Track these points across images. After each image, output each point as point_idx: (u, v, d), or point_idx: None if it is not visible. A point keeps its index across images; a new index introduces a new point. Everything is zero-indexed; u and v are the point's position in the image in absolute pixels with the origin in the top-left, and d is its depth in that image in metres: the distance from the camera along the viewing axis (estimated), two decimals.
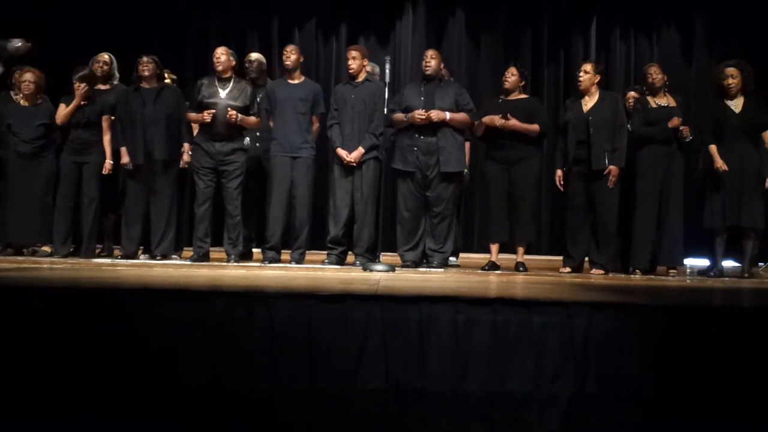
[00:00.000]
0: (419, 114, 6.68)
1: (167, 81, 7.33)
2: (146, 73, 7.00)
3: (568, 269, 6.74)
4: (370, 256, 6.77)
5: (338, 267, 6.72)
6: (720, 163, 6.64)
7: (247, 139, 7.03)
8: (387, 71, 6.53)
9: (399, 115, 6.72)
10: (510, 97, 6.97)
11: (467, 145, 7.31)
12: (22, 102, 7.28)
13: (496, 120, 6.78)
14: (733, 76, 6.77)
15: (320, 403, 3.55)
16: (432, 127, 6.74)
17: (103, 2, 9.72)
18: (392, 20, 10.76)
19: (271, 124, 7.04)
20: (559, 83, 10.76)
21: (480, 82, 10.45)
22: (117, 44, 8.05)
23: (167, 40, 9.68)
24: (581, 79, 6.83)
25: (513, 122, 6.77)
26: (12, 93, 7.42)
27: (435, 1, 10.68)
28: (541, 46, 10.76)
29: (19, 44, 4.83)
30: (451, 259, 7.35)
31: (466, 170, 7.25)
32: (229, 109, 6.74)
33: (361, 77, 7.00)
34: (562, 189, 6.91)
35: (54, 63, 7.51)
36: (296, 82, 7.09)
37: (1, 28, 8.20)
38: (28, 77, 7.19)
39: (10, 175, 7.23)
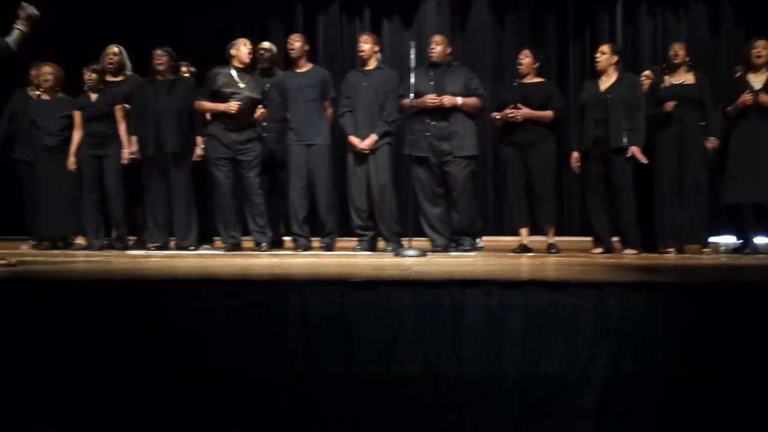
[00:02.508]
0: (431, 98, 6.66)
1: (185, 74, 7.35)
2: (161, 67, 7.01)
3: (599, 250, 6.70)
4: (399, 241, 6.78)
5: (369, 253, 6.74)
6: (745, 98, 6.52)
7: (259, 129, 7.04)
8: (412, 56, 6.50)
9: (407, 101, 6.69)
10: (525, 81, 6.93)
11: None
12: (42, 96, 7.35)
13: (508, 114, 6.74)
14: (762, 48, 6.68)
15: (354, 390, 3.57)
16: (443, 112, 6.73)
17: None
18: (416, 2, 10.73)
19: (288, 115, 7.04)
20: (586, 62, 10.67)
21: (506, 62, 10.39)
22: (136, 36, 8.09)
23: (189, 32, 9.70)
24: (598, 59, 6.80)
25: (524, 111, 6.73)
26: (29, 89, 7.49)
27: None
28: (567, 25, 10.69)
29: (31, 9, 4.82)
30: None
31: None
32: (260, 107, 6.76)
33: (372, 65, 6.99)
34: (577, 171, 6.87)
35: (70, 58, 7.57)
36: (303, 70, 7.09)
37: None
38: (47, 70, 7.27)
39: (38, 170, 7.32)
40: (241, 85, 6.85)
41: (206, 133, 6.93)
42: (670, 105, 6.70)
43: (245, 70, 6.93)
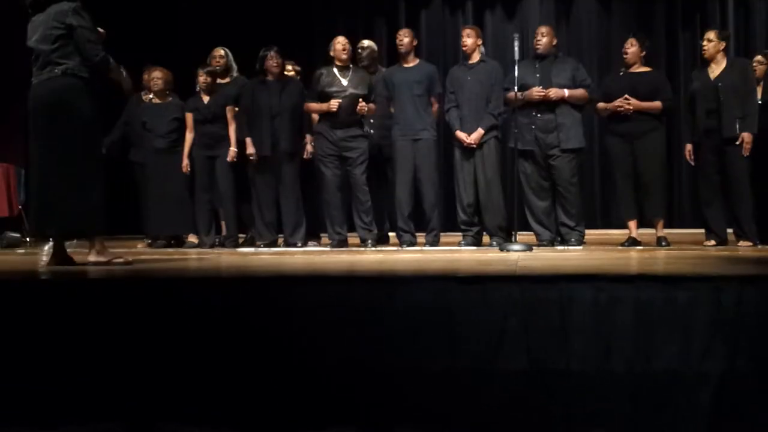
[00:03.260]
0: (538, 91, 6.58)
1: (291, 73, 7.45)
2: (275, 69, 7.09)
3: (712, 242, 6.51)
4: (504, 236, 6.73)
5: (474, 248, 6.72)
6: None
7: (367, 126, 7.07)
8: (516, 49, 6.44)
9: (512, 94, 6.62)
10: (631, 70, 6.78)
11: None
12: (153, 100, 7.57)
13: (617, 106, 6.60)
14: None
15: (462, 385, 3.55)
16: (550, 105, 6.64)
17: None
18: None
19: (392, 110, 7.07)
20: (696, 49, 10.35)
21: (612, 52, 10.18)
22: (242, 37, 8.25)
23: (293, 31, 9.85)
24: (705, 47, 6.60)
25: (633, 103, 6.57)
26: (143, 94, 7.73)
27: None
28: (676, 11, 10.41)
29: (128, 77, 5.09)
30: None
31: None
32: (360, 101, 6.81)
33: (476, 58, 6.94)
34: (692, 163, 6.69)
35: (180, 62, 7.77)
36: (411, 65, 7.10)
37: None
38: (156, 74, 7.48)
39: (149, 171, 7.55)
40: (344, 83, 6.92)
41: (315, 131, 7.02)
42: None
43: (347, 67, 6.99)
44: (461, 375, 3.54)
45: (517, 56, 6.44)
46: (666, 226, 6.86)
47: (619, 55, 9.57)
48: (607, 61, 10.06)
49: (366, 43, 7.62)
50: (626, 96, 6.60)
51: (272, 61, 7.09)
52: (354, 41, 7.38)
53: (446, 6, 10.83)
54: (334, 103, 6.82)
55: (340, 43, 7.05)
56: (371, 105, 6.97)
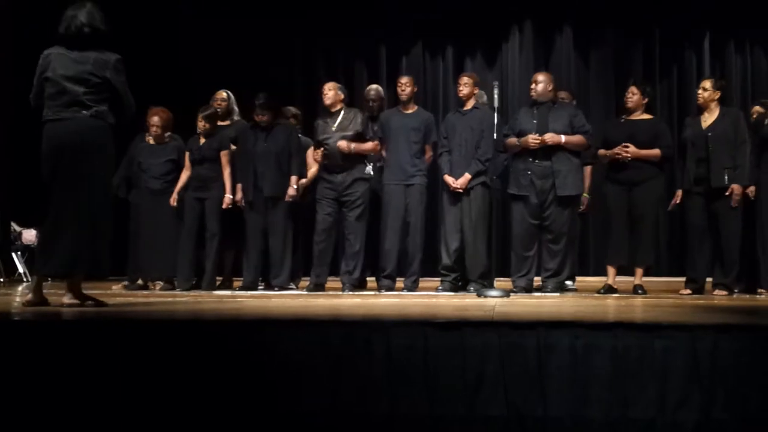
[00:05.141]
0: (533, 138, 6.62)
1: (292, 118, 7.51)
2: (258, 118, 7.15)
3: (689, 291, 6.55)
4: (484, 282, 6.74)
5: (452, 294, 6.72)
6: None
7: (370, 166, 7.10)
8: (495, 96, 6.51)
9: (512, 140, 6.68)
10: (632, 117, 6.84)
11: (588, 169, 7.23)
12: (151, 141, 7.58)
13: (616, 153, 6.66)
14: None
15: (439, 431, 3.54)
16: (546, 151, 6.65)
17: (217, 44, 10.03)
18: (498, 41, 10.75)
19: (384, 153, 7.12)
20: (673, 100, 10.53)
21: (591, 99, 10.32)
22: (233, 82, 8.31)
23: (275, 76, 9.89)
24: (700, 95, 6.68)
25: (632, 150, 6.63)
26: (146, 134, 7.73)
27: (542, 19, 10.61)
28: (653, 61, 10.56)
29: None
30: (567, 283, 7.25)
31: (586, 195, 7.17)
32: (339, 141, 6.86)
33: (470, 105, 7.02)
34: (671, 207, 6.80)
35: (182, 102, 7.81)
36: (410, 111, 7.16)
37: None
38: (154, 121, 7.47)
39: (142, 212, 7.52)
40: (332, 129, 6.99)
41: (319, 175, 7.11)
42: None
43: (336, 112, 7.06)
44: (439, 421, 3.52)
45: (496, 103, 6.51)
46: (645, 275, 6.88)
47: (597, 103, 9.73)
48: (587, 109, 10.15)
49: (374, 87, 7.69)
50: (625, 144, 6.64)
51: (257, 109, 7.15)
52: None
53: (427, 52, 10.93)
54: (317, 155, 7.01)
55: (325, 89, 7.13)
56: (368, 144, 7.02)
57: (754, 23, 10.21)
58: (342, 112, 7.08)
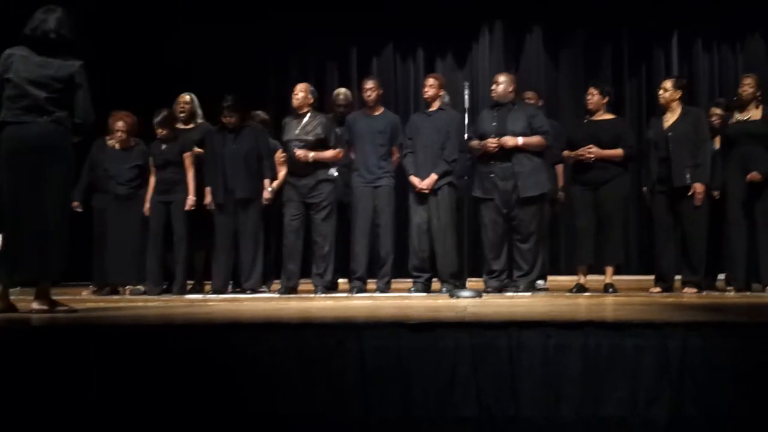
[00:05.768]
0: (491, 143, 6.63)
1: (260, 121, 7.49)
2: (226, 120, 7.12)
3: (658, 289, 6.60)
4: (455, 282, 6.75)
5: (425, 294, 6.72)
6: None
7: (334, 168, 7.09)
8: (466, 97, 6.52)
9: (475, 143, 6.69)
10: (595, 118, 6.88)
11: (560, 167, 7.26)
12: (116, 146, 7.52)
13: (579, 155, 6.71)
14: None
15: None
16: (507, 153, 6.68)
17: (184, 44, 9.98)
18: (469, 41, 10.78)
19: (353, 155, 7.12)
20: (642, 98, 10.61)
21: (560, 99, 10.37)
22: (198, 84, 8.26)
23: (247, 78, 9.87)
24: (661, 95, 6.73)
25: (595, 151, 6.68)
26: (107, 138, 7.67)
27: (511, 20, 10.65)
28: (622, 61, 10.64)
29: None
30: (539, 282, 7.29)
31: (560, 192, 7.20)
32: (296, 150, 6.85)
33: (435, 106, 7.03)
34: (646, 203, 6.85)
35: (146, 105, 7.75)
36: (376, 114, 7.16)
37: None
38: (119, 126, 7.41)
39: (109, 218, 7.47)
40: (296, 131, 6.97)
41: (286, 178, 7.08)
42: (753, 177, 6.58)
43: (302, 114, 7.03)
44: (412, 422, 3.52)
45: (467, 104, 6.52)
46: (614, 272, 6.94)
47: (567, 102, 9.78)
48: (556, 108, 10.22)
49: (342, 91, 7.69)
50: (589, 146, 6.68)
51: (224, 112, 7.12)
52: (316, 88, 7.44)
53: (397, 53, 10.94)
54: (279, 156, 7.06)
55: (294, 90, 7.11)
56: (328, 152, 6.98)
57: (720, 22, 10.31)
58: (308, 116, 7.05)
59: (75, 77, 4.78)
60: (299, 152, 6.86)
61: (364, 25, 10.52)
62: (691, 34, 10.53)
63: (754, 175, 6.55)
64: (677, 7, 10.21)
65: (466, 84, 6.72)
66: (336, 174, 7.09)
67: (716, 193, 6.64)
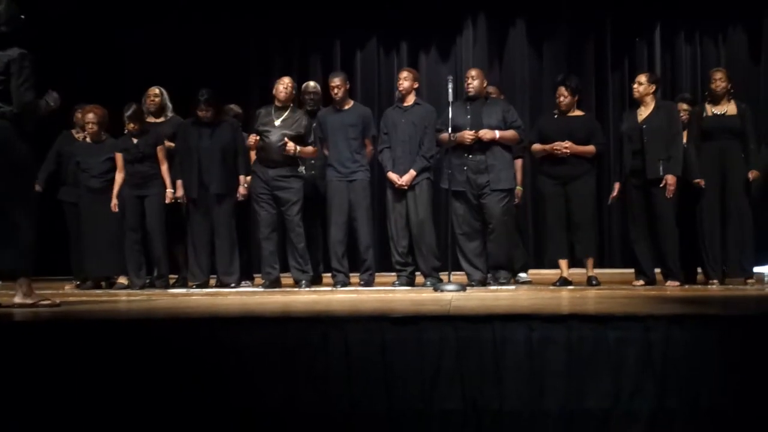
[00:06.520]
0: (469, 134, 6.66)
1: (234, 115, 7.44)
2: (203, 114, 7.07)
3: (641, 282, 6.63)
4: (438, 276, 6.76)
5: (409, 288, 6.73)
6: None
7: (302, 167, 7.08)
8: (450, 90, 6.52)
9: (445, 135, 6.68)
10: (566, 114, 6.92)
11: (520, 162, 7.29)
12: (87, 139, 7.47)
13: (555, 149, 6.74)
14: None
15: (397, 426, 3.54)
16: (481, 146, 6.71)
17: (167, 38, 9.93)
18: (453, 35, 10.76)
19: (326, 152, 7.11)
20: (625, 90, 10.62)
21: (544, 91, 10.38)
22: (179, 78, 8.22)
23: (229, 71, 9.82)
24: (636, 89, 6.78)
25: (570, 146, 6.73)
26: (74, 131, 7.62)
27: (495, 13, 10.65)
28: (605, 53, 10.66)
29: (56, 95, 5.00)
30: (521, 275, 7.30)
31: (519, 187, 7.22)
32: (286, 140, 6.82)
33: (410, 101, 7.02)
34: (610, 200, 6.97)
35: (118, 98, 7.70)
36: (346, 108, 7.14)
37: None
38: (90, 118, 7.37)
39: (83, 211, 7.43)
40: (276, 123, 6.93)
41: (252, 169, 7.03)
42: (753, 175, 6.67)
43: (285, 107, 7.00)
44: (397, 416, 3.53)
45: (451, 98, 6.52)
46: (596, 266, 6.98)
47: (550, 94, 9.78)
48: (539, 101, 10.24)
49: (312, 84, 7.65)
50: (565, 141, 6.71)
51: (201, 105, 7.06)
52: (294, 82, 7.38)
53: (381, 47, 10.92)
54: (250, 139, 6.88)
55: (283, 83, 7.06)
56: (309, 148, 6.97)
57: (703, 14, 10.35)
58: (289, 110, 7.02)
59: (11, 66, 4.72)
60: (290, 144, 6.82)
61: (347, 18, 10.48)
62: (673, 26, 10.56)
63: (754, 173, 6.62)
64: (660, 0, 10.25)
65: (450, 78, 6.71)
66: (303, 172, 7.06)
67: (700, 182, 6.64)
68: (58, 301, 5.01)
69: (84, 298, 5.96)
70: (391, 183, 6.93)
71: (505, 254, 6.82)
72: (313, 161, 7.21)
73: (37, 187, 7.38)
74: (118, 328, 3.81)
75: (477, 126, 6.72)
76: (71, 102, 7.46)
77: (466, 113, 6.82)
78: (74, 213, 7.62)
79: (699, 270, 6.88)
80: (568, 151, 6.73)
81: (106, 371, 3.58)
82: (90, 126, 7.38)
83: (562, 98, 6.89)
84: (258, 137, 6.89)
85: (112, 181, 7.33)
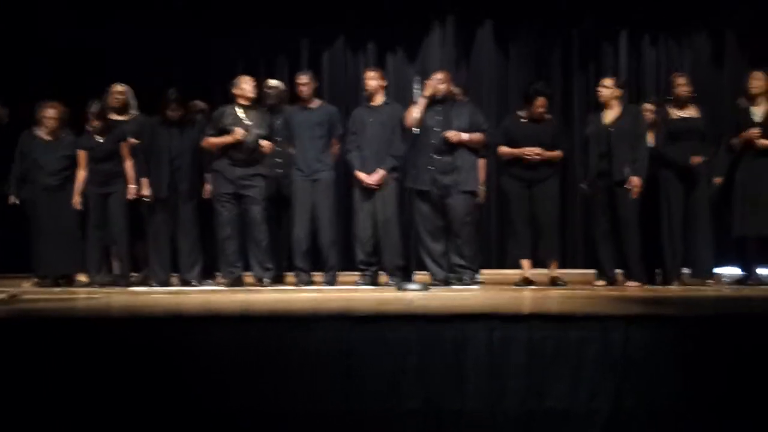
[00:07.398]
0: (532, 151, 6.70)
1: (200, 112, 7.39)
2: (173, 114, 7.01)
3: (602, 282, 6.69)
4: (402, 275, 6.77)
5: (372, 287, 6.72)
6: None
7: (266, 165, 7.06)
8: (416, 90, 6.53)
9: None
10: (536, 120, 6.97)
11: (482, 161, 7.30)
12: (45, 137, 7.39)
13: (526, 154, 6.77)
14: (757, 79, 6.72)
15: (358, 426, 3.54)
16: (449, 147, 6.73)
17: (128, 34, 9.83)
18: (420, 35, 10.76)
19: (292, 150, 7.07)
20: (590, 93, 10.67)
21: (510, 93, 10.41)
22: (142, 76, 8.14)
23: (192, 69, 9.74)
24: (601, 93, 6.83)
25: (540, 153, 6.76)
26: (36, 130, 7.53)
27: (463, 14, 10.66)
28: (572, 55, 10.72)
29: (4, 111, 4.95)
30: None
31: (483, 188, 7.25)
32: (261, 141, 6.79)
33: (379, 100, 7.02)
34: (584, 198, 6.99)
35: (78, 95, 7.62)
36: (313, 106, 7.12)
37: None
38: (50, 113, 7.28)
39: (39, 209, 7.35)
40: (247, 122, 6.88)
41: (213, 169, 6.96)
42: (696, 160, 6.71)
43: (250, 106, 6.96)
44: (358, 416, 3.53)
45: (416, 98, 6.52)
46: (559, 266, 7.01)
47: (517, 96, 9.80)
48: (506, 102, 10.26)
49: (273, 82, 7.59)
50: (535, 147, 6.74)
51: (171, 105, 6.98)
52: (257, 80, 7.34)
53: (348, 47, 10.89)
54: (239, 132, 6.76)
55: (248, 82, 7.02)
56: (269, 143, 6.94)
57: (668, 19, 10.44)
58: (255, 109, 6.99)
59: None
60: (266, 144, 6.79)
61: (314, 17, 10.44)
62: (639, 30, 10.64)
63: (696, 159, 6.68)
64: (626, 4, 10.32)
65: (417, 78, 6.72)
66: (279, 170, 7.04)
67: (698, 159, 6.67)
68: (14, 296, 4.94)
69: (43, 296, 5.89)
70: (359, 182, 6.93)
71: (467, 254, 6.83)
72: (278, 159, 7.17)
73: (13, 199, 7.34)
74: (79, 327, 3.77)
75: (446, 127, 6.72)
76: (33, 100, 7.37)
77: (435, 114, 6.82)
78: (33, 211, 7.52)
79: (659, 271, 6.94)
80: (539, 157, 6.77)
81: (67, 371, 3.54)
82: (51, 122, 7.30)
83: (541, 109, 6.91)
84: (272, 144, 6.84)
85: (68, 178, 7.24)
